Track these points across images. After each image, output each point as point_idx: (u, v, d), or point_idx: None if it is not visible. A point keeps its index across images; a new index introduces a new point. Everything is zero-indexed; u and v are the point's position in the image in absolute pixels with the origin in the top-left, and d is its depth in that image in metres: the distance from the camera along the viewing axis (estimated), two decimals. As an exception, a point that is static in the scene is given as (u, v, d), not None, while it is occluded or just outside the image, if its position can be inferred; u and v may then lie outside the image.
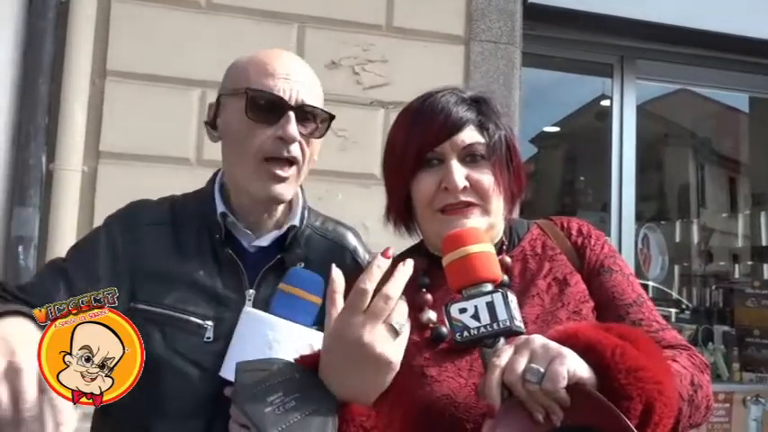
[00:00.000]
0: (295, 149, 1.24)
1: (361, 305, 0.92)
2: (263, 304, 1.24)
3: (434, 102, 1.20)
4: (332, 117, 1.31)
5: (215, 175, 1.39)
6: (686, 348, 1.15)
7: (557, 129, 6.93)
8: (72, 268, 1.24)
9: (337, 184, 2.69)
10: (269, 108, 1.23)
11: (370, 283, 0.92)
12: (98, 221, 2.25)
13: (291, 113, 1.23)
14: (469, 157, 1.18)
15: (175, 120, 2.60)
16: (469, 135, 1.17)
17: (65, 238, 2.38)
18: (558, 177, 7.31)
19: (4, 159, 2.41)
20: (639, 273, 4.17)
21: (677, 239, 6.23)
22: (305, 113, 1.26)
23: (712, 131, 6.99)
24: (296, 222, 1.33)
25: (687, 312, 4.90)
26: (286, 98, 1.23)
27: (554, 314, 1.15)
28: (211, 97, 2.55)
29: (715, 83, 4.12)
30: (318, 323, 1.18)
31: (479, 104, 1.22)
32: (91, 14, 2.54)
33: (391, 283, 0.93)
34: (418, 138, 1.17)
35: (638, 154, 3.70)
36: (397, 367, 0.95)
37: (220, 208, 1.30)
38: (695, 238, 6.40)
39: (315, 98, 1.29)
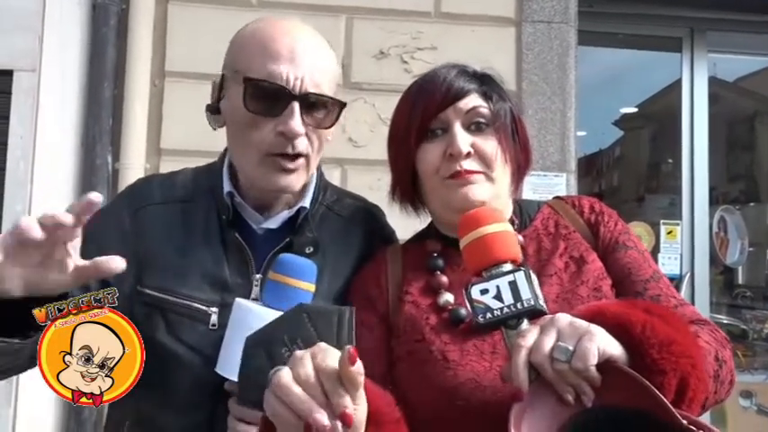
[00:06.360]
0: (300, 144, 1.13)
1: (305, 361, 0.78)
2: None
3: (435, 74, 1.20)
4: (343, 105, 1.20)
5: (226, 150, 1.28)
6: (706, 323, 1.11)
7: (636, 110, 6.66)
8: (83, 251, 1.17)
9: (387, 173, 2.66)
10: (270, 99, 1.12)
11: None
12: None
13: (296, 105, 1.11)
14: (474, 124, 1.17)
15: (230, 116, 2.69)
16: (473, 100, 1.17)
17: (130, 233, 2.54)
18: (645, 159, 7.02)
19: (73, 161, 2.58)
20: (716, 257, 3.92)
21: (769, 222, 5.81)
22: (311, 103, 1.14)
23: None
24: (306, 204, 1.24)
25: None
26: (289, 87, 1.11)
27: (574, 292, 1.12)
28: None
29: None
30: None
31: (483, 77, 1.21)
32: (149, 20, 2.67)
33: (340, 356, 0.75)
34: (421, 108, 1.17)
35: (725, 132, 3.47)
36: None
37: (227, 187, 1.21)
38: (789, 220, 5.96)
39: (325, 80, 1.15)
